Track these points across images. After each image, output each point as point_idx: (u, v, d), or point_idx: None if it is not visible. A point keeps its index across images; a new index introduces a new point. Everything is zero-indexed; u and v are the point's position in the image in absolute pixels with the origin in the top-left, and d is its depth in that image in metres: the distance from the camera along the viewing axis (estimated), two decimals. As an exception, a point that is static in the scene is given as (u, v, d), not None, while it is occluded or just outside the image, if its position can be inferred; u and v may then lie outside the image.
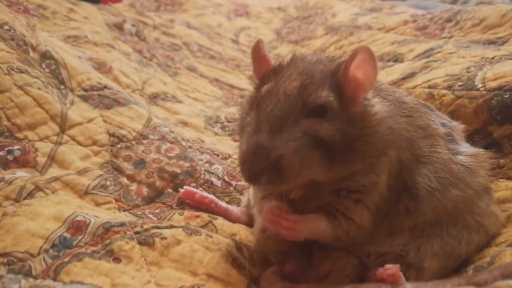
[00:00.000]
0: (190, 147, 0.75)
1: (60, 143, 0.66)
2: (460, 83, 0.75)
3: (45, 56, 0.77)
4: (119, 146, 0.69)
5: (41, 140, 0.64)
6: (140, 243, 0.48)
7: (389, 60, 1.10)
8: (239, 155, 0.42)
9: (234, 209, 0.63)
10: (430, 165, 0.48)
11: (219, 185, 0.68)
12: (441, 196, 0.47)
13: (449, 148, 0.51)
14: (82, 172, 0.63)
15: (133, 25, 1.32)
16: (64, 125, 0.68)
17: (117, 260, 0.46)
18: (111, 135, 0.70)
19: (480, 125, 0.69)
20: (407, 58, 1.06)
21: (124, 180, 0.64)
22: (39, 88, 0.69)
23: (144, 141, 0.71)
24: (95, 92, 0.77)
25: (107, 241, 0.48)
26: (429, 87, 0.80)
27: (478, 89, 0.71)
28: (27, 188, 0.55)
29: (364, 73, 0.43)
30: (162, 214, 0.59)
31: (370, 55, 0.42)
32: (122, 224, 0.50)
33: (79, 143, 0.67)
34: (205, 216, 0.59)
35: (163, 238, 0.49)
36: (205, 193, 0.64)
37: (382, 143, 0.44)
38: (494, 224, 0.52)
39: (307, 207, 0.48)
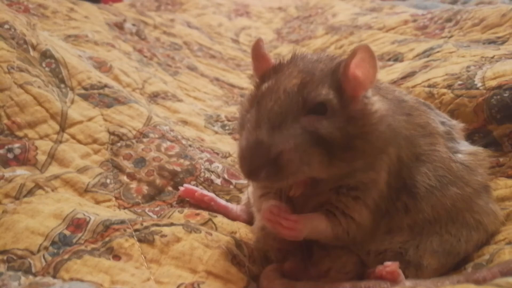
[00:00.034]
0: (190, 145, 0.75)
1: (60, 142, 0.66)
2: (460, 82, 0.75)
3: (46, 55, 0.78)
4: (119, 144, 0.69)
5: (41, 138, 0.65)
6: (140, 240, 0.48)
7: (389, 60, 1.10)
8: (238, 151, 0.42)
9: (234, 207, 0.64)
10: (430, 163, 0.48)
11: (219, 183, 0.69)
12: (440, 194, 0.47)
13: (449, 147, 0.51)
14: (82, 170, 0.63)
15: (133, 25, 1.32)
16: (64, 123, 0.68)
17: (117, 257, 0.46)
18: (111, 133, 0.70)
19: (480, 124, 0.69)
20: (407, 57, 1.06)
21: (124, 178, 0.64)
22: (39, 87, 0.69)
23: (144, 140, 0.71)
24: (95, 91, 0.77)
25: (107, 239, 0.48)
26: (429, 86, 0.80)
27: (477, 88, 0.71)
28: (27, 186, 0.55)
29: (364, 72, 0.43)
30: (162, 212, 0.59)
31: (370, 53, 0.42)
32: (122, 222, 0.50)
33: (79, 142, 0.67)
34: (205, 214, 0.59)
35: (163, 235, 0.49)
36: (205, 191, 0.64)
37: (382, 141, 0.44)
38: (493, 222, 0.52)
39: (307, 205, 0.48)
